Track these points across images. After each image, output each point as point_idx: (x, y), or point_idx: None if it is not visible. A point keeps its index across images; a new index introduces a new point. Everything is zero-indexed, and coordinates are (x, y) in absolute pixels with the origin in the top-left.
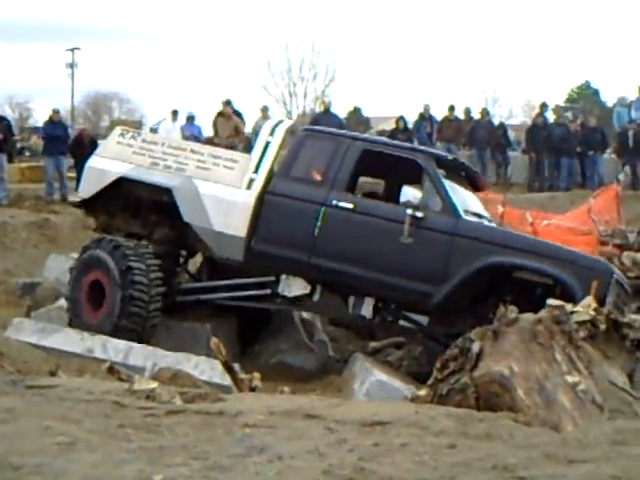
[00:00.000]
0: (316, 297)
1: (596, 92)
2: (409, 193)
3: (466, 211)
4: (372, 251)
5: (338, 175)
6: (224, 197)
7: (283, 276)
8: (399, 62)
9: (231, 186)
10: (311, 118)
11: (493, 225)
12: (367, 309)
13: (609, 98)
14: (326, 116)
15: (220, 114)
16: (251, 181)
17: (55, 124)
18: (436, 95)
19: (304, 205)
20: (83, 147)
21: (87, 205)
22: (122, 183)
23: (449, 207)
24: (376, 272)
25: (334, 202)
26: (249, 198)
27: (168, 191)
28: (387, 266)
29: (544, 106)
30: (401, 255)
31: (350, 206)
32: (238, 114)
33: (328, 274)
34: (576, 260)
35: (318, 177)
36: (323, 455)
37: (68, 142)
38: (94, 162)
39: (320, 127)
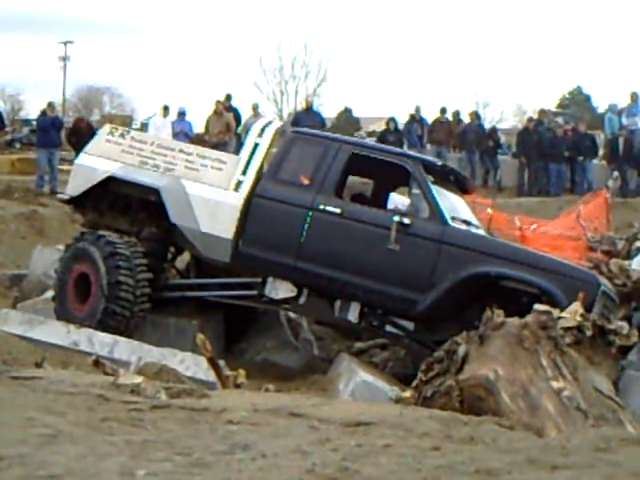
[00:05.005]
0: (302, 300)
1: (588, 98)
2: (397, 199)
3: (454, 218)
4: (359, 256)
5: (326, 179)
6: (212, 198)
7: (270, 278)
8: (391, 63)
9: (219, 187)
10: (293, 116)
11: (481, 233)
12: (353, 313)
13: (600, 104)
14: (308, 114)
15: (215, 111)
16: (239, 183)
17: (49, 117)
18: (427, 97)
19: (291, 208)
20: (82, 136)
21: (75, 202)
22: (110, 181)
23: (437, 214)
24: (362, 278)
25: (321, 206)
26: (237, 200)
27: (156, 191)
28: (373, 272)
29: (542, 112)
30: (387, 261)
31: (337, 211)
32: (235, 110)
33: (314, 278)
34: (563, 271)
35: (306, 180)
36: (306, 454)
37: (62, 135)
38: (83, 160)
39: (309, 130)
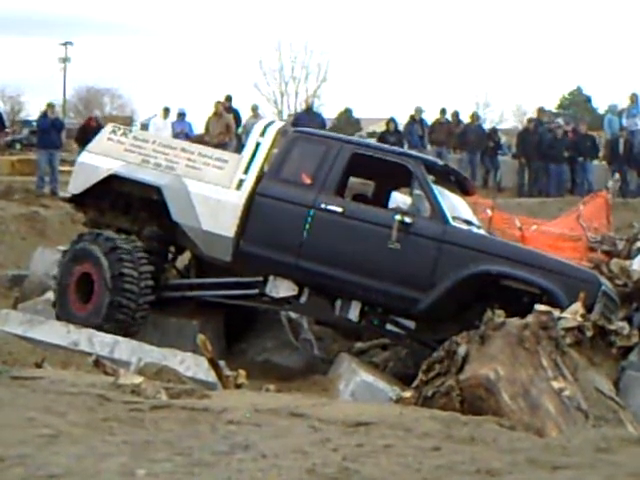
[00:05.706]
0: (303, 299)
1: (588, 99)
2: (398, 198)
3: (455, 218)
4: (360, 255)
5: (328, 178)
6: (213, 197)
7: (271, 277)
8: (391, 64)
9: (221, 186)
10: (293, 117)
11: (482, 232)
12: (354, 312)
13: (600, 105)
14: (308, 115)
15: (215, 112)
16: (241, 182)
17: (49, 118)
18: (427, 98)
19: (293, 207)
20: (93, 135)
21: (77, 200)
22: (112, 180)
23: (438, 213)
24: (363, 276)
25: (323, 205)
26: (238, 199)
27: (158, 189)
28: (374, 271)
29: (541, 111)
30: (389, 260)
31: (339, 210)
32: (235, 111)
33: (316, 277)
34: (564, 270)
35: (308, 180)
36: (307, 454)
37: (62, 136)
38: (85, 158)
39: (311, 129)
